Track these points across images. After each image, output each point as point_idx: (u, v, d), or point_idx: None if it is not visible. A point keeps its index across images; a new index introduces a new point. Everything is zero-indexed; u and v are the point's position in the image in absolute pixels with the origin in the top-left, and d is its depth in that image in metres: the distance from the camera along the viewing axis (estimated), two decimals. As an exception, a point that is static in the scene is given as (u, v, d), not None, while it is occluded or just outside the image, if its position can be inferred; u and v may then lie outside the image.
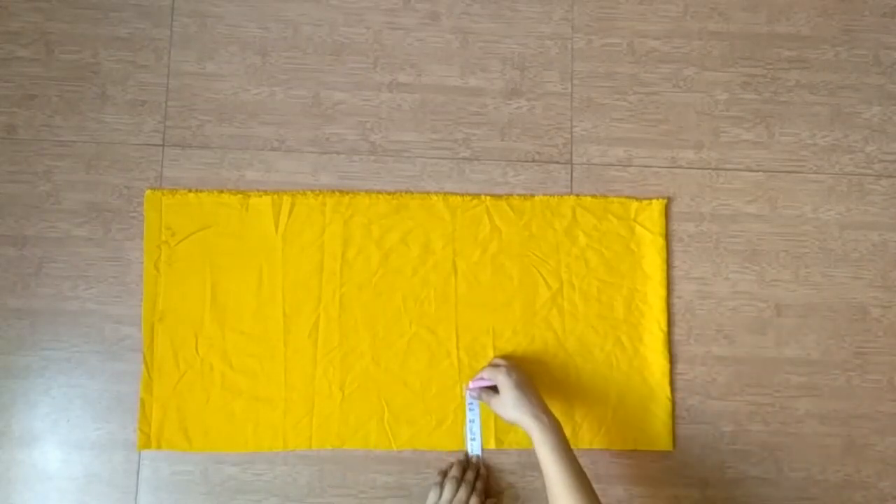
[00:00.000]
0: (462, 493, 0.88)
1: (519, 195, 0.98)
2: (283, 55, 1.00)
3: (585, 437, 0.94)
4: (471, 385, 0.92)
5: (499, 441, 0.93)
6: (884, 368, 0.97)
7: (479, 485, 0.91)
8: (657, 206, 0.97)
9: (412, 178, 0.98)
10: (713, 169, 1.00)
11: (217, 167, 0.97)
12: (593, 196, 0.98)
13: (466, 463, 0.93)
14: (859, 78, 1.02)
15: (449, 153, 0.99)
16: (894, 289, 0.99)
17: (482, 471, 0.93)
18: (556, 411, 0.93)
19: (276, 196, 0.96)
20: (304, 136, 0.98)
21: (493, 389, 0.89)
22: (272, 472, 0.92)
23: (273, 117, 0.99)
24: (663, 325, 0.95)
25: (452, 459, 0.93)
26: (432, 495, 0.90)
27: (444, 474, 0.92)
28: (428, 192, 0.98)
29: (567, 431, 0.93)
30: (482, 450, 0.93)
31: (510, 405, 0.84)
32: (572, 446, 0.93)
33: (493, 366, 0.90)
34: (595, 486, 0.93)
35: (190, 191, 0.96)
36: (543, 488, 0.94)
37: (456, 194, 0.97)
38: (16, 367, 0.93)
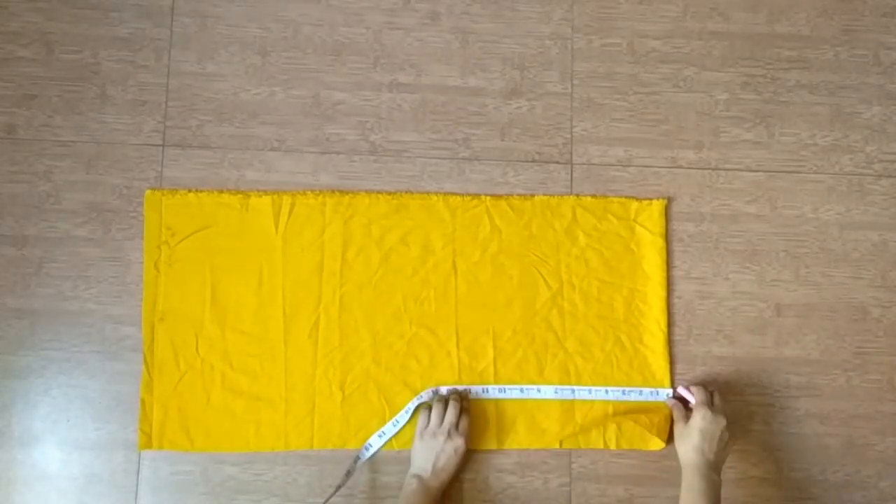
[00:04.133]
0: (451, 414, 0.89)
1: (519, 195, 0.98)
2: (283, 55, 1.00)
3: (585, 436, 0.94)
4: (680, 389, 0.93)
5: (499, 441, 0.93)
6: (884, 368, 0.97)
7: (466, 404, 0.91)
8: (657, 207, 0.97)
9: (412, 178, 0.98)
10: (713, 169, 1.00)
11: (217, 167, 0.97)
12: (593, 196, 0.98)
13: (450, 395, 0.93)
14: (859, 78, 1.02)
15: (449, 153, 0.99)
16: (894, 289, 0.99)
17: (467, 388, 0.93)
18: (557, 411, 0.94)
19: (276, 196, 0.96)
20: (304, 136, 0.98)
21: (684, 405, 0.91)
22: (272, 472, 0.92)
23: (273, 117, 0.99)
24: (663, 326, 0.95)
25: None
26: (421, 422, 0.91)
27: (429, 401, 0.92)
28: (428, 192, 0.98)
29: (567, 431, 0.93)
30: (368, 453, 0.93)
31: (690, 445, 0.84)
32: (573, 446, 0.94)
33: (706, 393, 0.89)
34: (595, 486, 0.94)
35: (190, 191, 0.96)
36: (543, 488, 0.94)
37: (456, 194, 0.97)
38: (16, 367, 0.93)
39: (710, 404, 0.88)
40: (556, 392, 0.94)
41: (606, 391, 0.94)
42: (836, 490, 0.95)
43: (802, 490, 0.95)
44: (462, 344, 0.95)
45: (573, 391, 0.94)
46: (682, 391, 0.93)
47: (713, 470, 0.83)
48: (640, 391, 0.94)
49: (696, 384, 0.91)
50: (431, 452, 0.88)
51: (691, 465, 0.84)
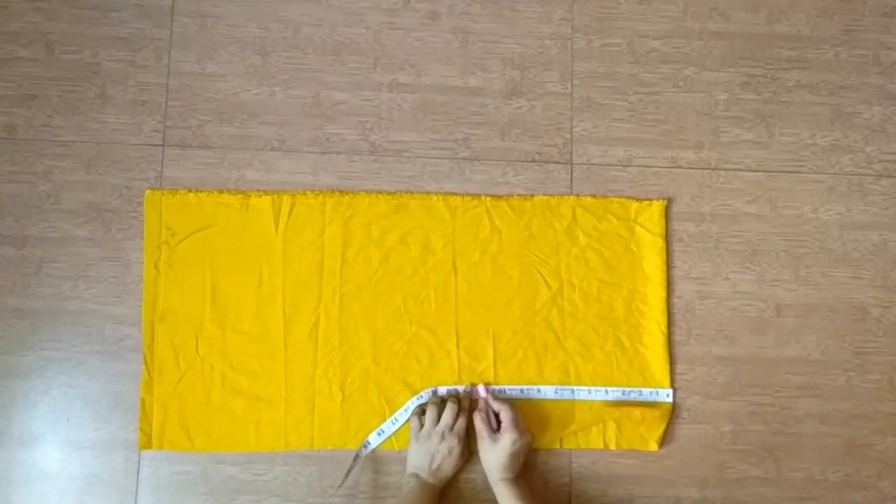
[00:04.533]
0: (447, 415, 0.89)
1: (519, 195, 0.98)
2: (283, 55, 1.00)
3: (586, 437, 0.94)
4: (482, 392, 0.92)
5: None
6: (884, 368, 0.97)
7: (464, 403, 0.91)
8: (657, 207, 0.97)
9: (412, 178, 0.98)
10: (713, 169, 1.00)
11: (217, 167, 0.97)
12: (593, 196, 0.98)
13: (447, 395, 0.93)
14: (859, 78, 1.02)
15: (449, 153, 0.99)
16: (894, 289, 0.99)
17: (467, 388, 0.93)
18: (557, 412, 0.94)
19: (276, 196, 0.96)
20: (304, 136, 0.98)
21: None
22: (272, 472, 0.92)
23: (273, 117, 0.99)
24: (663, 326, 0.95)
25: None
26: (414, 424, 0.90)
27: (427, 401, 0.92)
28: (428, 193, 0.98)
29: (568, 431, 0.93)
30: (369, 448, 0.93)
31: (498, 461, 0.85)
32: (573, 446, 0.94)
33: (513, 413, 0.88)
34: (595, 486, 0.94)
35: (190, 191, 0.96)
36: (543, 488, 0.94)
37: (456, 194, 0.97)
38: (16, 367, 0.93)
39: (517, 425, 0.87)
40: (556, 392, 0.94)
41: (606, 391, 0.94)
42: (836, 490, 0.95)
43: (802, 490, 0.95)
44: (462, 344, 0.95)
45: (573, 391, 0.94)
46: (484, 394, 0.92)
47: (520, 477, 0.86)
48: (640, 391, 0.94)
49: (502, 401, 0.90)
50: (426, 454, 0.88)
51: (501, 481, 0.85)
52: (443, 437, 0.88)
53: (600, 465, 0.94)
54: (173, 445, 0.92)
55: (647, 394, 0.94)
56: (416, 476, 0.88)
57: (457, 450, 0.88)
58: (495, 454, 0.86)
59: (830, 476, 0.95)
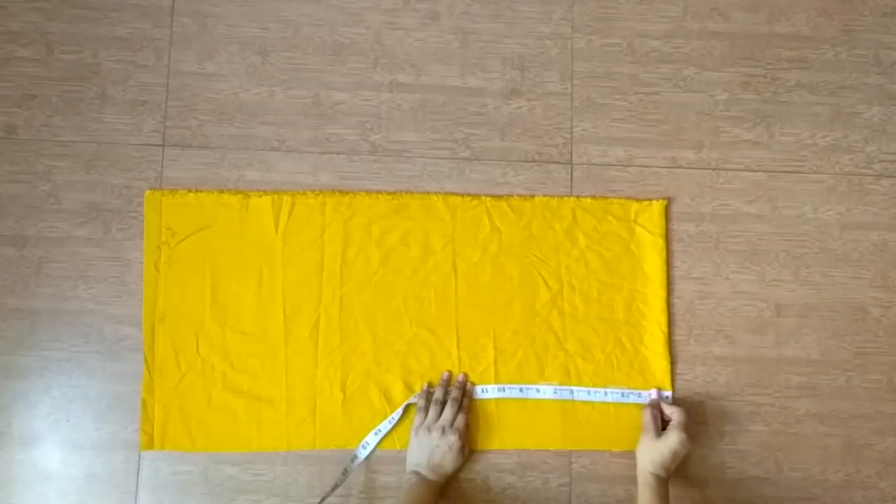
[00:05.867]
0: (448, 412, 0.90)
1: (519, 196, 0.98)
2: (283, 55, 1.00)
3: (586, 437, 0.94)
4: (654, 395, 0.93)
5: (499, 441, 0.93)
6: (884, 368, 0.97)
7: (465, 402, 0.92)
8: (657, 208, 0.97)
9: (412, 178, 0.98)
10: (713, 169, 1.00)
11: (217, 167, 0.97)
12: (593, 197, 0.98)
13: (448, 383, 0.94)
14: (859, 78, 1.02)
15: (449, 153, 0.99)
16: (894, 289, 0.99)
17: (468, 387, 0.93)
18: (557, 413, 0.94)
19: (276, 196, 0.96)
20: (304, 136, 0.98)
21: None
22: (272, 472, 0.92)
23: (273, 117, 0.99)
24: (664, 327, 0.95)
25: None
26: (417, 419, 0.91)
27: (427, 398, 0.92)
28: (428, 193, 0.98)
29: (568, 432, 0.93)
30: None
31: (659, 457, 0.86)
32: (573, 447, 0.94)
33: (685, 415, 0.89)
34: (595, 486, 0.94)
35: (190, 191, 0.96)
36: (543, 488, 0.94)
37: (456, 194, 0.97)
38: (16, 367, 0.93)
39: (686, 428, 0.87)
40: (555, 392, 0.94)
41: (605, 393, 0.94)
42: (836, 490, 0.95)
43: (802, 490, 0.95)
44: (462, 344, 0.95)
45: (572, 392, 0.94)
46: (658, 397, 0.93)
47: (667, 481, 0.86)
48: (640, 393, 0.94)
49: (676, 406, 0.91)
50: (425, 449, 0.88)
51: (653, 476, 0.85)
52: (443, 432, 0.88)
53: (600, 465, 0.94)
54: (175, 446, 0.92)
55: (646, 396, 0.94)
56: (417, 473, 0.88)
57: (457, 445, 0.88)
58: (657, 450, 0.86)
59: (830, 476, 0.95)
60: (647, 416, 0.90)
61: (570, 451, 0.94)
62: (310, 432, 0.92)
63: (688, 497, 0.94)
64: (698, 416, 0.95)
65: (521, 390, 0.94)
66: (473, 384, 0.94)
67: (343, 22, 1.01)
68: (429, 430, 0.89)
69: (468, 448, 0.92)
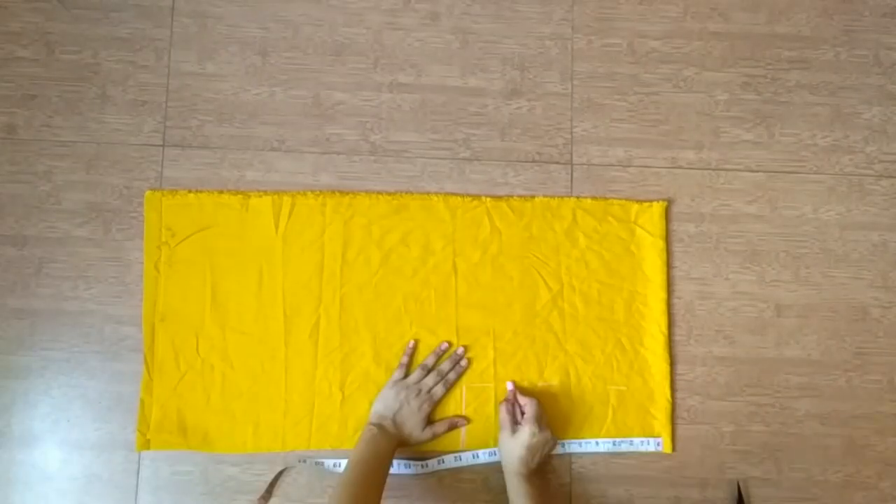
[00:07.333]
0: (430, 378, 0.91)
1: (519, 196, 0.98)
2: (283, 55, 1.00)
3: (586, 437, 0.94)
4: (510, 386, 0.93)
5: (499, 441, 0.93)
6: (884, 369, 0.97)
7: (451, 376, 0.92)
8: (657, 209, 0.97)
9: (412, 178, 0.98)
10: (713, 169, 1.00)
11: (217, 167, 0.97)
12: (593, 198, 0.98)
13: (443, 354, 0.94)
14: (859, 78, 1.02)
15: (449, 153, 0.99)
16: (894, 289, 0.99)
17: (463, 362, 0.94)
18: (557, 413, 0.94)
19: (276, 196, 0.96)
20: (304, 136, 0.98)
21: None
22: (272, 472, 0.92)
23: (273, 117, 0.99)
24: (664, 328, 0.95)
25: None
26: (396, 373, 0.92)
27: (410, 356, 0.94)
28: (428, 193, 0.98)
29: (568, 432, 0.93)
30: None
31: (515, 453, 0.85)
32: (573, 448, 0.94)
33: (537, 408, 0.88)
34: (595, 486, 0.94)
35: (190, 191, 0.96)
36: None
37: (456, 195, 0.97)
38: (16, 367, 0.93)
39: (539, 420, 0.87)
40: None
41: (597, 443, 0.93)
42: (836, 490, 0.95)
43: (802, 490, 0.95)
44: (462, 344, 0.95)
45: (564, 445, 0.93)
46: (512, 391, 0.92)
47: (535, 476, 0.86)
48: (631, 441, 0.94)
49: (528, 396, 0.90)
50: (396, 401, 0.89)
51: (516, 474, 0.85)
52: (419, 393, 0.90)
53: (600, 465, 0.94)
54: (170, 446, 0.92)
55: (637, 443, 0.94)
56: (380, 426, 0.87)
57: (425, 410, 0.90)
58: (513, 446, 0.86)
59: (830, 476, 0.95)
60: (501, 413, 0.90)
61: (570, 452, 0.94)
62: (305, 432, 0.92)
63: (687, 497, 0.94)
64: (697, 417, 0.95)
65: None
66: (469, 360, 0.94)
67: (343, 22, 1.01)
68: (406, 386, 0.90)
69: (432, 420, 0.92)
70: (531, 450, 0.85)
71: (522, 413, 0.89)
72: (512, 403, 0.91)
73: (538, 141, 1.00)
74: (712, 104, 1.01)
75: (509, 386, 0.93)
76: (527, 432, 0.85)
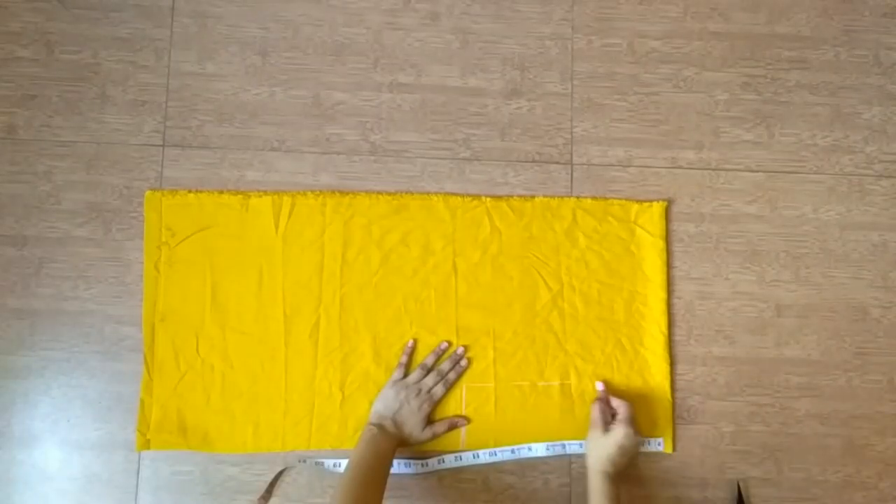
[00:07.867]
0: (430, 378, 0.91)
1: (519, 196, 0.98)
2: (283, 55, 1.00)
3: (587, 438, 0.94)
4: (600, 386, 0.93)
5: (498, 441, 0.93)
6: (884, 369, 0.97)
7: (451, 376, 0.93)
8: (657, 209, 0.97)
9: (412, 178, 0.98)
10: (713, 169, 1.00)
11: (217, 167, 0.97)
12: (594, 198, 0.98)
13: (443, 354, 0.94)
14: (859, 78, 1.02)
15: (449, 153, 0.99)
16: (894, 289, 0.99)
17: (463, 362, 0.94)
18: (557, 414, 0.94)
19: (276, 196, 0.96)
20: (304, 136, 0.98)
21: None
22: (272, 472, 0.92)
23: (273, 117, 0.99)
24: (664, 328, 0.95)
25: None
26: (396, 373, 0.92)
27: (409, 356, 0.94)
28: (428, 193, 0.98)
29: (568, 433, 0.93)
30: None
31: (605, 452, 0.85)
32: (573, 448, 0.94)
33: (631, 410, 0.88)
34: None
35: (190, 191, 0.96)
36: (543, 488, 0.94)
37: (456, 195, 0.97)
38: (16, 367, 0.93)
39: (633, 422, 0.87)
40: (547, 449, 0.93)
41: None
42: (836, 490, 0.95)
43: (802, 490, 0.95)
44: (462, 344, 0.95)
45: (564, 446, 0.93)
46: (604, 392, 0.93)
47: (618, 478, 0.85)
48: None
49: (621, 399, 0.90)
50: (396, 401, 0.89)
51: (602, 473, 0.84)
52: (419, 392, 0.90)
53: (600, 465, 0.94)
54: (170, 446, 0.92)
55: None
56: (380, 426, 0.87)
57: (425, 410, 0.90)
58: (604, 445, 0.86)
59: (830, 476, 0.95)
60: (594, 412, 0.90)
61: (570, 452, 0.94)
62: (305, 433, 0.92)
63: (687, 497, 0.94)
64: (697, 417, 0.95)
65: (512, 451, 0.93)
66: (469, 360, 0.94)
67: (343, 22, 1.01)
68: (406, 386, 0.90)
69: (432, 420, 0.92)
70: (623, 450, 0.85)
71: (613, 415, 0.89)
72: (605, 402, 0.91)
73: (538, 141, 1.00)
74: (712, 104, 1.01)
75: (599, 386, 0.93)
76: (622, 433, 0.85)
